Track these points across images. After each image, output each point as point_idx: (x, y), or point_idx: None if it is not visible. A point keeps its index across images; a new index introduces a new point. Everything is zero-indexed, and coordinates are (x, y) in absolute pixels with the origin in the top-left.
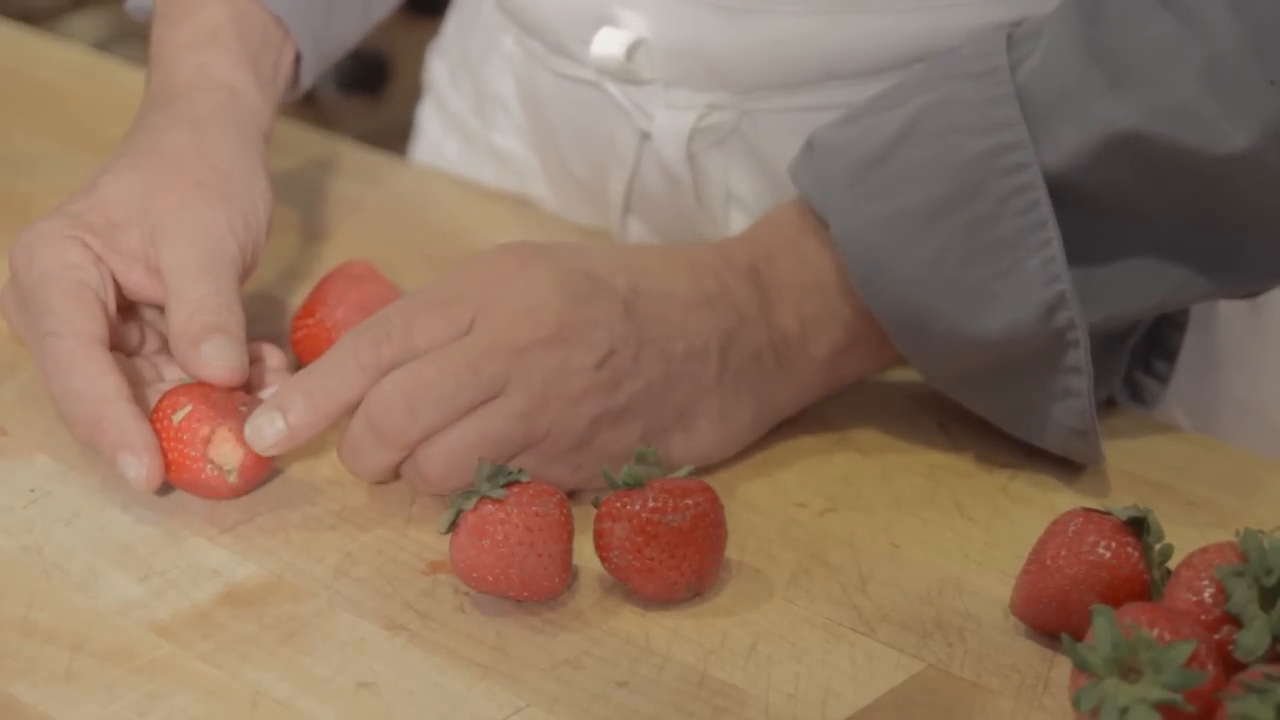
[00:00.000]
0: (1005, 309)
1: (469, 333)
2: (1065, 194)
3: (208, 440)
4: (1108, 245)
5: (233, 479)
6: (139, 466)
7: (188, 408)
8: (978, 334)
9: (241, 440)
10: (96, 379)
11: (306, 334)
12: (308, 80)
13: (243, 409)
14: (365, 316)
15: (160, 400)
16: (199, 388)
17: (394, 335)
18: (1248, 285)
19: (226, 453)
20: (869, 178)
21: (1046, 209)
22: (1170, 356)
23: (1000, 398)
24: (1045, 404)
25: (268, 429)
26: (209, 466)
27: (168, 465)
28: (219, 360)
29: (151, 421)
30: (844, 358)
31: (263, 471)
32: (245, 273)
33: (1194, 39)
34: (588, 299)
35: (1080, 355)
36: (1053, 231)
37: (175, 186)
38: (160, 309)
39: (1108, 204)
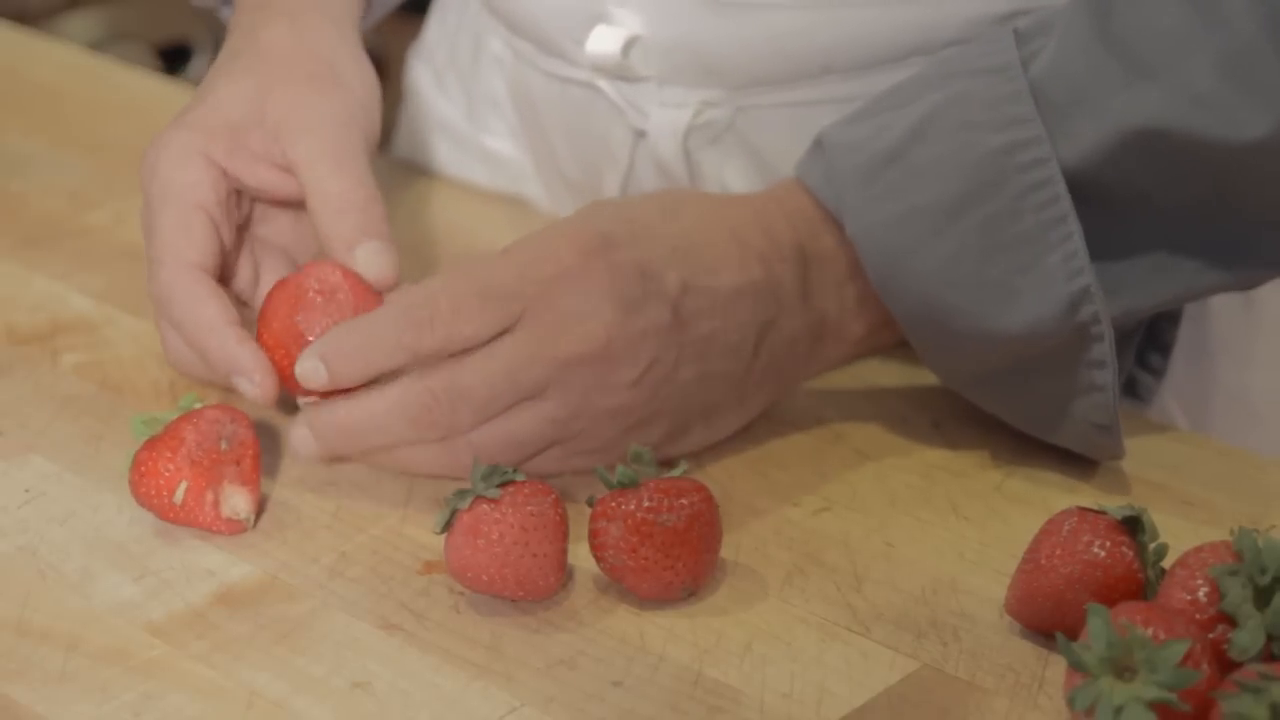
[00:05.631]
0: (1027, 305)
1: (516, 327)
2: (1082, 189)
3: (216, 504)
4: (1125, 239)
5: (251, 523)
6: (253, 387)
7: (184, 485)
8: (999, 331)
9: (241, 481)
10: (195, 308)
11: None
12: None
13: (223, 445)
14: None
15: (148, 482)
16: (171, 442)
17: (438, 323)
18: (1260, 277)
19: (237, 504)
20: (882, 176)
21: (1067, 204)
22: (1165, 350)
23: (1019, 396)
24: (1066, 400)
25: (313, 378)
26: (227, 524)
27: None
28: (375, 267)
29: (151, 504)
30: (881, 331)
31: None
32: (370, 157)
33: (1209, 28)
34: (638, 306)
35: (1105, 349)
36: (1074, 226)
37: (286, 81)
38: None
39: (1124, 197)
